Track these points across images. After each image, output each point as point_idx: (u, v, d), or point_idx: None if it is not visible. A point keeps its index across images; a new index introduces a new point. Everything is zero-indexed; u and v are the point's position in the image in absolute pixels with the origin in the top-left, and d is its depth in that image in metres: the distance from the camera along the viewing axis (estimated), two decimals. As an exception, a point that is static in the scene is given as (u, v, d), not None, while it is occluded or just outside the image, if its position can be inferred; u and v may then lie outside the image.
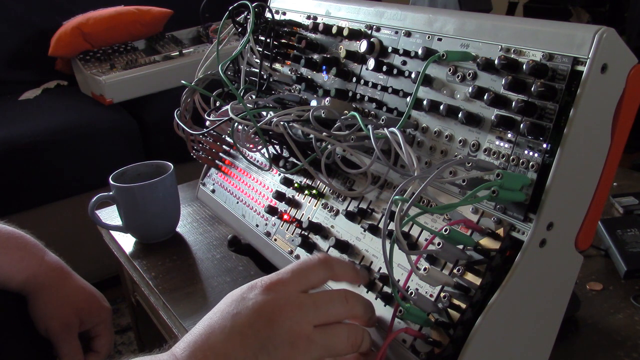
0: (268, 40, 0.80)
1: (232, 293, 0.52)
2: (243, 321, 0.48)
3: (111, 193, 0.89)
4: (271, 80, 0.82)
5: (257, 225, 0.81)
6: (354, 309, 0.53)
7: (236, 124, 0.70)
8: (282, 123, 0.66)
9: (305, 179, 0.76)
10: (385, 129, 0.56)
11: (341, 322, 0.52)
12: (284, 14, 0.83)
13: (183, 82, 0.83)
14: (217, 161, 0.94)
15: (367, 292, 0.60)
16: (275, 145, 0.78)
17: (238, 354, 0.47)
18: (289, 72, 0.81)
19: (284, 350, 0.47)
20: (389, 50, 0.65)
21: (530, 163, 0.50)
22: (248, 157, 0.80)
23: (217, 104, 0.85)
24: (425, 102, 0.59)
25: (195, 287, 0.81)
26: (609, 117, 0.50)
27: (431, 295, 0.54)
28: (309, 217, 0.72)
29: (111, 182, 0.89)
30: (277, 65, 0.83)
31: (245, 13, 0.83)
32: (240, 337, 0.48)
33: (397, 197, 0.48)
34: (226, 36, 0.85)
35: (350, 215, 0.66)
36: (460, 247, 0.53)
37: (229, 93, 0.83)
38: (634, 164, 2.23)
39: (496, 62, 0.52)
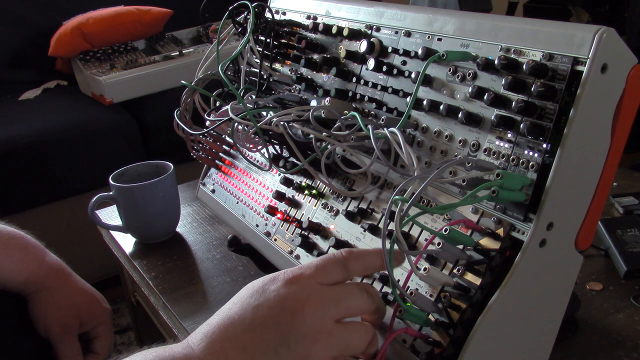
0: (268, 40, 0.80)
1: (252, 284, 0.50)
2: (264, 313, 0.47)
3: (111, 193, 0.89)
4: (271, 80, 0.82)
5: (257, 225, 0.81)
6: (374, 302, 0.52)
7: (236, 124, 0.70)
8: (282, 123, 0.66)
9: (305, 179, 0.76)
10: (385, 129, 0.56)
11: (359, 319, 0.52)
12: (284, 14, 0.83)
13: (183, 82, 0.83)
14: (217, 161, 0.94)
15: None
16: (275, 145, 0.78)
17: (258, 346, 0.46)
18: (289, 72, 0.81)
19: (305, 344, 0.47)
20: (389, 50, 0.65)
21: (530, 163, 0.50)
22: (248, 157, 0.80)
23: (217, 104, 0.85)
24: (425, 102, 0.59)
25: (195, 287, 0.80)
26: (609, 117, 0.50)
27: (431, 295, 0.54)
28: (309, 217, 0.72)
29: (111, 182, 0.89)
30: (277, 65, 0.83)
31: (245, 13, 0.83)
32: (260, 329, 0.47)
33: (397, 197, 0.48)
34: (226, 36, 0.85)
35: (350, 215, 0.66)
36: (460, 247, 0.53)
37: (229, 93, 0.83)
38: (634, 164, 2.22)
39: (496, 62, 0.52)
